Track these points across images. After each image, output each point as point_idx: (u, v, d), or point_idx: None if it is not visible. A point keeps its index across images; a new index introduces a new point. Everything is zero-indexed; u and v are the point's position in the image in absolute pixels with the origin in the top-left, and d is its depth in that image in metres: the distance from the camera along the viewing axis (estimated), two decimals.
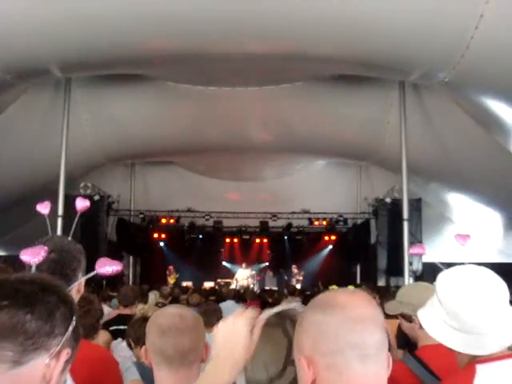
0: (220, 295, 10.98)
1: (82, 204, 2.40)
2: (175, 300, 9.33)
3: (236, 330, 1.43)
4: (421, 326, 2.03)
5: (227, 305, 8.31)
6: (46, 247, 1.91)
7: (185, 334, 2.03)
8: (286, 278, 20.96)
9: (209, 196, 20.93)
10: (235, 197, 21.44)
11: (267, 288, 17.71)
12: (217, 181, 21.28)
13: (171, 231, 21.77)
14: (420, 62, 9.45)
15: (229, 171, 20.82)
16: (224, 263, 22.94)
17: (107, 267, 1.80)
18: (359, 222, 20.77)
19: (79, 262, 2.23)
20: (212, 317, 5.09)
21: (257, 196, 20.90)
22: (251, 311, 1.49)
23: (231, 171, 20.79)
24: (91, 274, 1.84)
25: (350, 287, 8.16)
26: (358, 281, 19.39)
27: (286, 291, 12.86)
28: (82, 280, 2.15)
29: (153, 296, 9.46)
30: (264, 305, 9.99)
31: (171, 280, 20.13)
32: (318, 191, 20.49)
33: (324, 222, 20.74)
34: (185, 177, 21.20)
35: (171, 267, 20.80)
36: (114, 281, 14.39)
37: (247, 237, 22.06)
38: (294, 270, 20.70)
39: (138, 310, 6.28)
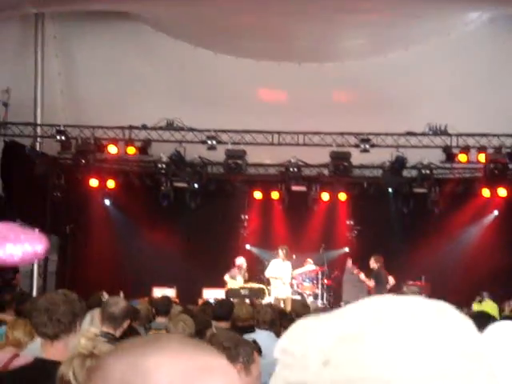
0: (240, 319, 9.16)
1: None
2: (132, 330, 6.27)
3: None
4: None
5: (261, 339, 5.03)
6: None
7: None
8: (387, 280, 14.26)
9: (214, 95, 14.87)
10: (274, 96, 16.02)
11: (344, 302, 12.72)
12: (232, 59, 14.82)
13: (128, 174, 16.30)
14: None
15: (256, 36, 14.45)
16: (248, 247, 16.67)
17: (17, 245, 1.45)
18: None
19: None
20: None
21: (322, 96, 15.02)
22: None
23: (263, 36, 14.39)
24: None
25: None
26: None
27: None
28: None
29: (89, 319, 5.94)
30: None
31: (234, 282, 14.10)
32: (466, 86, 14.63)
33: (481, 157, 14.04)
34: (159, 50, 14.96)
35: (241, 258, 14.49)
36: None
37: (301, 188, 15.38)
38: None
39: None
